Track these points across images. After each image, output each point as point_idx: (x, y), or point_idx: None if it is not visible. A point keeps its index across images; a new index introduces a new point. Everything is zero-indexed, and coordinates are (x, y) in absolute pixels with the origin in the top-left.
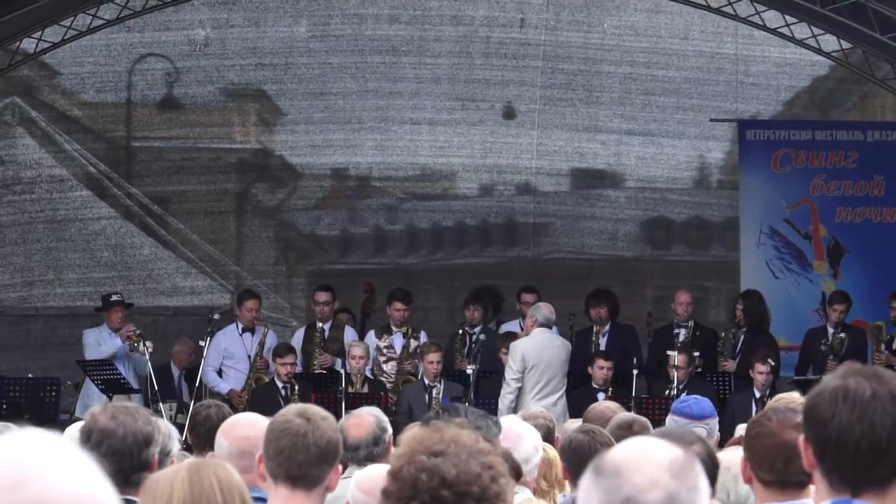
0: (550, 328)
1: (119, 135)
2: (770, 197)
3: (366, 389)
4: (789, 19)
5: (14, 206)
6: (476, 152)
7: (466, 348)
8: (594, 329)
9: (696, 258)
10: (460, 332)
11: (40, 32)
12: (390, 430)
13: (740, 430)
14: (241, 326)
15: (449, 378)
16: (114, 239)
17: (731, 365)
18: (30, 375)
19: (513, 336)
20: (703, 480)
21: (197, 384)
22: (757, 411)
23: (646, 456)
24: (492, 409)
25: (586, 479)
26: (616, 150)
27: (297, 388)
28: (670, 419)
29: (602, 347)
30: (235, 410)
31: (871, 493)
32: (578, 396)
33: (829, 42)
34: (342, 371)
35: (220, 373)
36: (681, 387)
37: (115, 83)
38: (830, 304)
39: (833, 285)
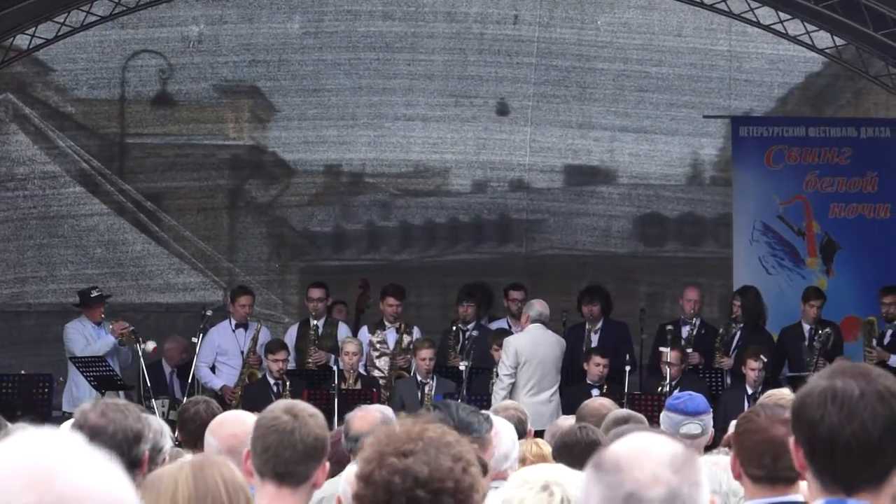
0: (545, 324)
1: (112, 131)
2: (763, 193)
3: (359, 386)
4: (783, 16)
5: (7, 202)
6: (469, 149)
7: (459, 345)
8: (587, 326)
9: (689, 255)
10: (453, 328)
11: (34, 29)
12: None
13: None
14: (234, 322)
15: (441, 374)
16: (107, 235)
17: (728, 362)
18: (22, 372)
19: (505, 333)
20: (703, 476)
21: (190, 380)
22: (748, 408)
23: (647, 452)
24: (484, 405)
25: (587, 475)
26: (609, 146)
27: (288, 384)
28: (665, 415)
29: (594, 344)
30: (228, 407)
31: (864, 492)
32: (572, 393)
33: (823, 39)
34: (335, 368)
35: (213, 369)
36: (673, 383)
37: (109, 80)
38: (806, 301)
39: (826, 282)
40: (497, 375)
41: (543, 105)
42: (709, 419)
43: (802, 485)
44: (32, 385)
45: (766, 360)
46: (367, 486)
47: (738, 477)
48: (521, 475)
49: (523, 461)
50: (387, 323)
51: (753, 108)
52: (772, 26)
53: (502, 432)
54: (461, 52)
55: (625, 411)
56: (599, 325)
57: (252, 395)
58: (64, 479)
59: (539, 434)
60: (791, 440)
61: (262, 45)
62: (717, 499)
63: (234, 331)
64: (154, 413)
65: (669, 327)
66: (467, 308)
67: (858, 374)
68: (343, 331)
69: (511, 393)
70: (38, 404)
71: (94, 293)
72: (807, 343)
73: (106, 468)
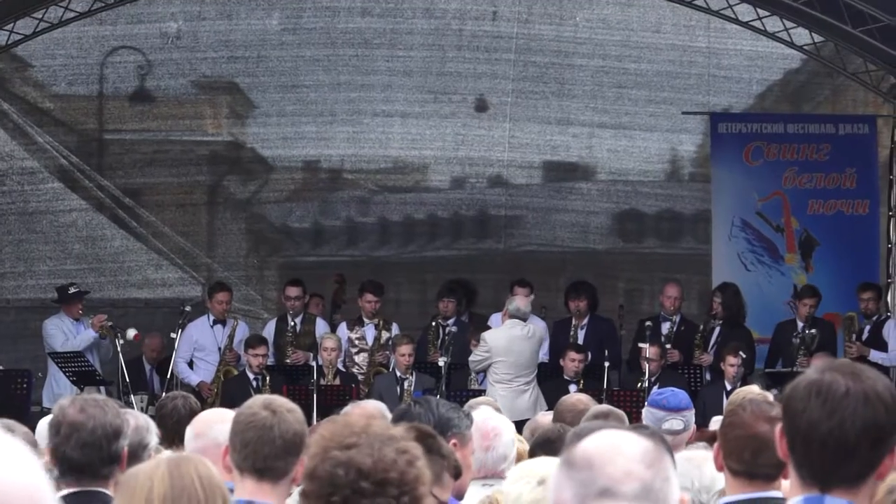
0: (524, 320)
1: (91, 127)
2: (742, 190)
3: (337, 381)
4: (761, 12)
5: None
6: (448, 145)
7: (440, 340)
8: (573, 322)
9: (667, 251)
10: (433, 323)
11: (12, 24)
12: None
13: (715, 422)
14: (212, 318)
15: (420, 370)
16: (85, 231)
17: (707, 358)
18: (0, 368)
19: (486, 329)
20: (674, 471)
21: (168, 376)
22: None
23: (618, 448)
24: (463, 401)
25: (558, 472)
26: (588, 142)
27: (268, 379)
28: (647, 411)
29: (580, 340)
30: (204, 402)
31: (841, 490)
32: (550, 388)
33: (802, 35)
34: (314, 364)
35: (191, 364)
36: (653, 379)
37: (87, 76)
38: (800, 299)
39: (805, 278)
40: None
41: (522, 101)
42: (691, 415)
43: (784, 483)
44: (10, 381)
45: (745, 356)
46: (311, 481)
47: (720, 469)
48: (518, 470)
49: None
50: (365, 319)
51: (732, 104)
52: (750, 23)
53: (503, 433)
54: (440, 49)
55: (605, 407)
56: (585, 320)
57: (231, 390)
58: None
59: (517, 426)
60: (777, 429)
61: (241, 42)
62: (688, 496)
63: (211, 327)
64: (133, 408)
65: (648, 323)
66: (447, 304)
67: (850, 372)
68: (321, 327)
69: (488, 390)
70: (17, 400)
71: (73, 289)
72: (794, 341)
73: (23, 461)
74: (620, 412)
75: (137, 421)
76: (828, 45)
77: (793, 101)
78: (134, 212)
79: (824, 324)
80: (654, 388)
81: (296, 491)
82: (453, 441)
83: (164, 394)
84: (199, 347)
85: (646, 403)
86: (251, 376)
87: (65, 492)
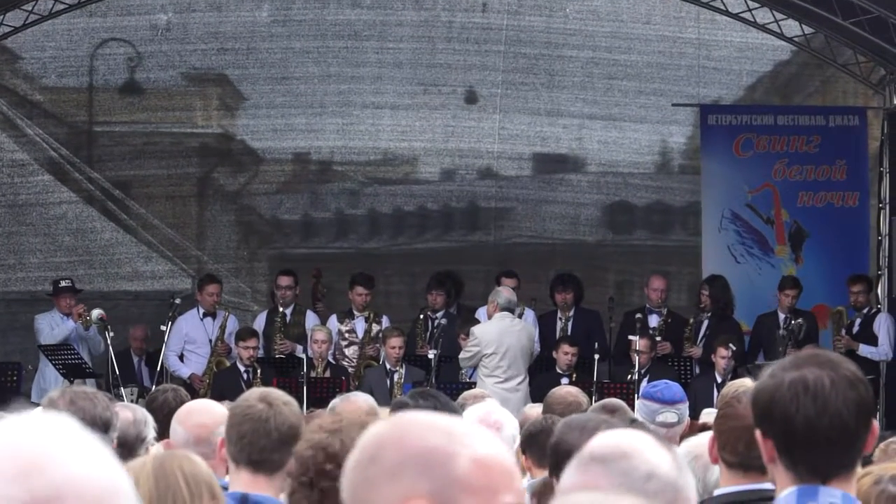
0: (513, 312)
1: (81, 119)
2: (732, 181)
3: (328, 374)
4: (751, 4)
5: None
6: (438, 137)
7: (428, 333)
8: (559, 314)
9: (657, 243)
10: (421, 316)
11: (2, 16)
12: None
13: (706, 414)
14: (202, 311)
15: (410, 363)
16: (75, 223)
17: (696, 351)
18: None
19: (474, 322)
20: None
21: (158, 368)
22: (718, 396)
23: (637, 438)
24: (453, 393)
25: (584, 473)
26: (578, 134)
27: (259, 371)
28: (641, 404)
29: (568, 332)
30: (196, 395)
31: (838, 479)
32: (541, 381)
33: (791, 27)
34: (303, 356)
35: (181, 357)
36: (643, 371)
37: (77, 68)
38: (782, 290)
39: (794, 270)
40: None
41: (512, 93)
42: (685, 408)
43: None
44: (1, 373)
45: (735, 348)
46: (295, 461)
47: (714, 461)
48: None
49: None
50: (355, 312)
51: (722, 96)
52: (740, 14)
53: (505, 426)
54: (430, 41)
55: (616, 401)
56: (571, 312)
57: (222, 382)
58: (56, 469)
59: None
60: (758, 433)
61: (231, 34)
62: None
63: (202, 319)
64: (123, 401)
65: (638, 316)
66: (436, 296)
67: (823, 362)
68: (311, 319)
69: (479, 383)
70: (7, 392)
71: (62, 283)
72: (781, 332)
73: (102, 457)
74: (627, 407)
75: (135, 414)
76: (818, 36)
77: (783, 93)
78: (124, 204)
79: (807, 314)
80: (645, 381)
81: None
82: None
83: (154, 387)
84: (189, 340)
85: (639, 396)
86: (242, 369)
87: None
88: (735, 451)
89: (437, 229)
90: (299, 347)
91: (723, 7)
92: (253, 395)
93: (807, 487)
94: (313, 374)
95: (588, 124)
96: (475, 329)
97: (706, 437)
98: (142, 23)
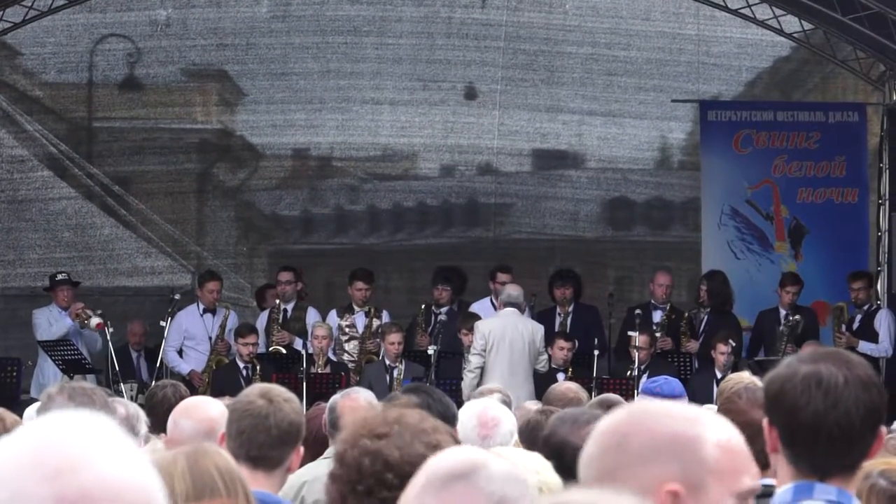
0: (518, 308)
1: (80, 115)
2: (731, 178)
3: (328, 370)
4: (751, 0)
5: None
6: (437, 133)
7: (430, 327)
8: (558, 310)
9: (657, 239)
10: (423, 306)
11: (1, 13)
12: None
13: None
14: (202, 307)
15: (410, 359)
16: (74, 219)
17: (693, 345)
18: None
19: (475, 317)
20: None
21: (158, 364)
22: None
23: (478, 453)
24: (453, 389)
25: (450, 490)
26: (577, 130)
27: (258, 368)
28: (640, 399)
29: (567, 328)
30: (195, 391)
31: (838, 478)
32: (538, 377)
33: (791, 23)
34: (303, 351)
35: (180, 353)
36: (642, 367)
37: (77, 63)
38: (783, 286)
39: (794, 266)
40: (467, 360)
41: (511, 89)
42: (685, 403)
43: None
44: (1, 369)
45: (734, 344)
46: (340, 466)
47: None
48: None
49: None
50: (356, 307)
51: (722, 92)
52: (740, 10)
53: (502, 423)
54: (429, 36)
55: (614, 396)
56: (570, 308)
57: (221, 379)
58: (88, 471)
59: None
60: (765, 422)
61: (230, 29)
62: None
63: (201, 315)
64: (123, 396)
65: (638, 311)
66: (442, 291)
67: (842, 361)
68: (312, 315)
69: (483, 378)
70: (7, 388)
71: (59, 277)
72: (781, 328)
73: (134, 459)
74: (624, 403)
75: (127, 410)
76: (817, 32)
77: (782, 89)
78: (123, 200)
79: (807, 311)
80: (644, 377)
81: (298, 478)
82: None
83: (153, 382)
84: (189, 336)
85: (639, 391)
86: (241, 365)
87: None
88: None
89: (437, 225)
90: (298, 340)
91: (722, 3)
92: (254, 391)
93: (804, 484)
94: (313, 370)
95: (588, 120)
96: (478, 323)
97: None
98: (141, 18)
